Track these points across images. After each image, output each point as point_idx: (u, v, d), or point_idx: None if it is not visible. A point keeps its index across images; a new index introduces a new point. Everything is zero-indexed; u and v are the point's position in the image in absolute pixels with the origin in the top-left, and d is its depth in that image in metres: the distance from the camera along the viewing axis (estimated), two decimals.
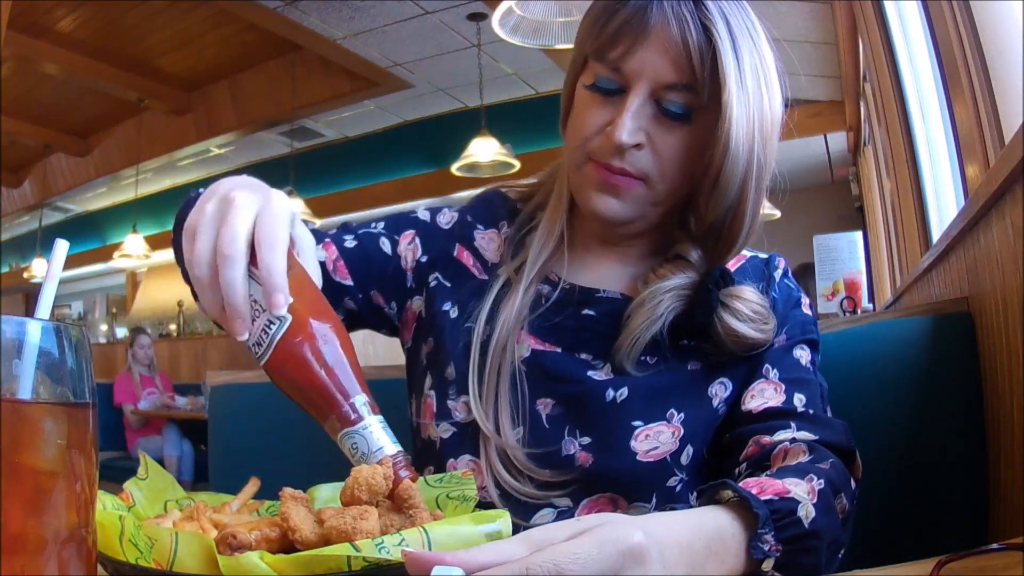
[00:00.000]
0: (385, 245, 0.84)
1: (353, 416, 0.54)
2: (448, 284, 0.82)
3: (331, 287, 0.80)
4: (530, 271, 0.78)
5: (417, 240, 0.84)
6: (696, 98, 0.69)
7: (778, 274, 0.81)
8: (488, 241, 0.84)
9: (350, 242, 0.83)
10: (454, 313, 0.80)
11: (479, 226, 0.85)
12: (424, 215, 0.87)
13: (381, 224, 0.86)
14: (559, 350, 0.76)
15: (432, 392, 0.78)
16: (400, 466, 0.53)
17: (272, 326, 0.55)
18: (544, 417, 0.74)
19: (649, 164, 0.71)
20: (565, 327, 0.77)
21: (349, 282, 0.81)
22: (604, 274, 0.81)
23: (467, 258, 0.83)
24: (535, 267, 0.78)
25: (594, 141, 0.72)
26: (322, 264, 0.78)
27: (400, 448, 0.55)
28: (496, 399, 0.74)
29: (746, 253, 0.83)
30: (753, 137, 0.68)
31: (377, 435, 0.54)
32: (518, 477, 0.72)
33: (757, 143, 0.69)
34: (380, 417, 0.55)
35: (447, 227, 0.86)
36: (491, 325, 0.76)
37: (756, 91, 0.68)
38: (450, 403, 0.76)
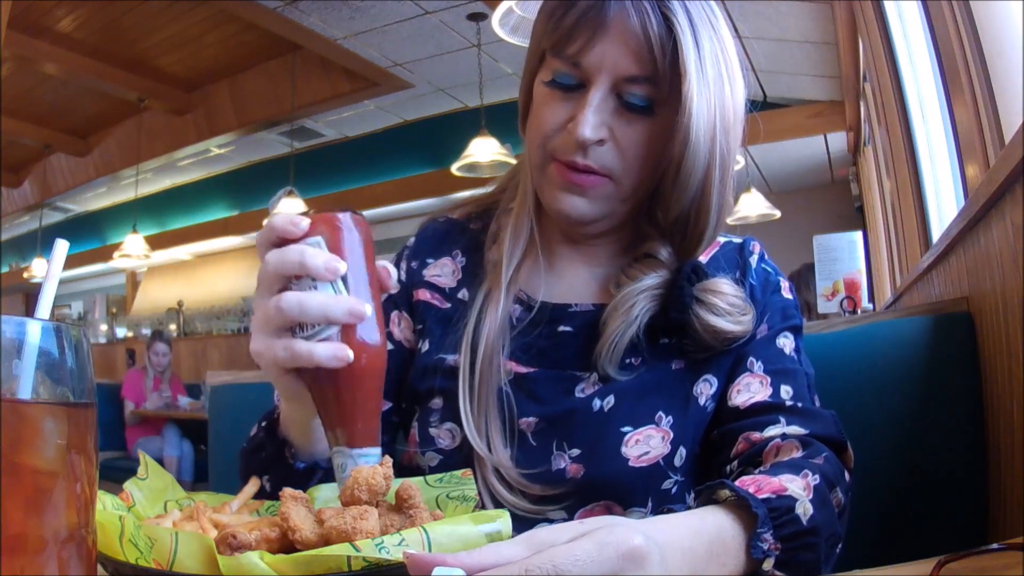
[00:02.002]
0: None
1: (358, 440, 0.55)
2: (420, 327, 0.82)
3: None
4: (505, 276, 0.77)
5: (403, 315, 0.83)
6: (657, 90, 0.68)
7: (754, 259, 0.80)
8: (440, 268, 0.84)
9: None
10: (425, 347, 0.79)
11: (428, 260, 0.84)
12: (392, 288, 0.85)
13: None
14: (542, 370, 0.75)
15: (415, 423, 0.78)
16: None
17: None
18: (530, 435, 0.73)
19: (613, 159, 0.70)
20: (543, 347, 0.76)
21: (388, 405, 0.80)
22: (575, 283, 0.80)
23: (424, 295, 0.82)
24: (509, 271, 0.77)
25: (556, 139, 0.71)
26: None
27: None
28: (486, 419, 0.73)
29: (720, 239, 0.81)
30: (715, 127, 0.68)
31: (372, 460, 0.55)
32: (513, 493, 0.71)
33: (719, 133, 0.68)
34: (379, 449, 0.56)
35: (406, 282, 0.85)
36: (477, 340, 0.75)
37: (717, 81, 0.68)
38: (432, 431, 0.75)
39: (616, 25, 0.66)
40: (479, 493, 0.71)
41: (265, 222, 0.57)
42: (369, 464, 0.54)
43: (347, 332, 0.54)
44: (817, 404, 0.74)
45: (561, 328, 0.77)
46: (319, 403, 0.56)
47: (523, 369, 0.75)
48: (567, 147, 0.70)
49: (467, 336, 0.75)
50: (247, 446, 0.72)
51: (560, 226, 0.79)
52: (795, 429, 0.68)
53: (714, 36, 0.68)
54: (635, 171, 0.71)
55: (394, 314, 0.84)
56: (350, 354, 0.53)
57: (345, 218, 0.56)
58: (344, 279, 0.54)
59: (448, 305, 0.81)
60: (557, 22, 0.69)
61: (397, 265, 0.87)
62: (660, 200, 0.74)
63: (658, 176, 0.73)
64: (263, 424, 0.71)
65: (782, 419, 0.69)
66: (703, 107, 0.66)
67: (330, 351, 0.53)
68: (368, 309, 0.55)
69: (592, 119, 0.68)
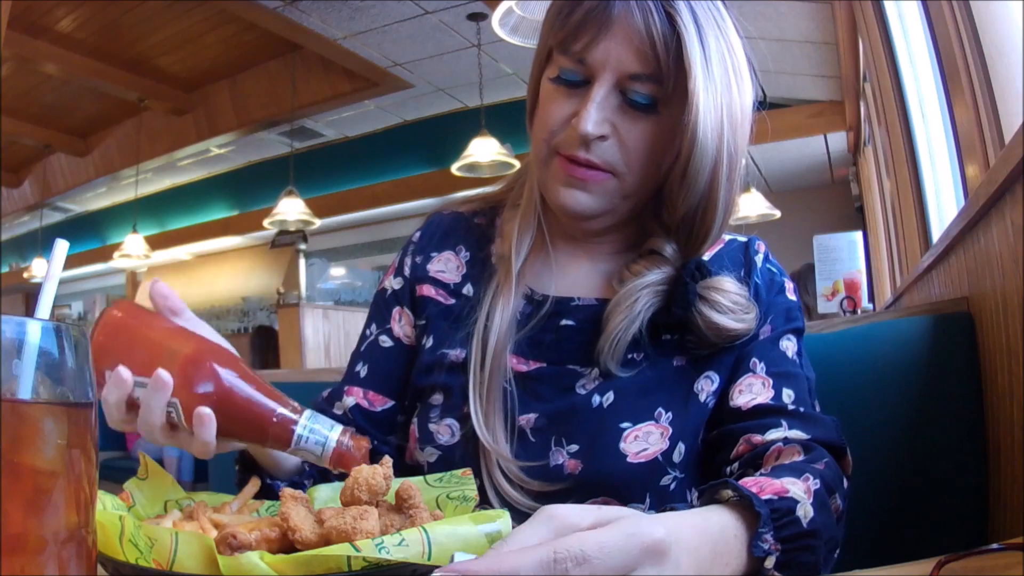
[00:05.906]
0: (386, 342, 0.83)
1: (289, 419, 0.58)
2: (423, 323, 0.82)
3: (383, 419, 0.81)
4: (514, 272, 0.77)
5: (405, 311, 0.84)
6: (661, 88, 0.68)
7: (759, 259, 0.80)
8: (444, 263, 0.84)
9: (363, 370, 0.83)
10: (429, 343, 0.80)
11: (432, 254, 0.85)
12: (396, 283, 0.86)
13: (373, 325, 0.85)
14: (544, 365, 0.76)
15: (415, 419, 0.78)
16: (347, 446, 0.58)
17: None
18: (529, 432, 0.74)
19: (615, 155, 0.71)
20: (546, 341, 0.76)
21: (391, 403, 0.81)
22: (578, 279, 0.80)
23: (428, 290, 0.83)
24: (517, 267, 0.78)
25: (559, 134, 0.72)
26: (359, 407, 0.80)
27: (341, 426, 0.59)
28: (492, 414, 0.73)
29: (724, 237, 0.82)
30: (722, 126, 0.68)
31: (319, 422, 0.58)
32: (515, 488, 0.72)
33: (727, 132, 0.68)
34: (309, 411, 0.59)
35: (410, 277, 0.85)
36: (487, 336, 0.75)
37: (724, 80, 0.68)
38: (431, 426, 0.76)
39: (620, 23, 0.67)
40: (484, 487, 0.71)
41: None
42: (316, 418, 0.58)
43: (188, 406, 0.58)
44: (817, 409, 0.74)
45: (563, 322, 0.77)
46: (243, 430, 0.60)
47: (524, 367, 0.76)
48: (570, 142, 0.71)
49: (478, 332, 0.76)
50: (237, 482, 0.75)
51: (564, 222, 0.79)
52: (797, 433, 0.68)
53: (720, 36, 0.69)
54: (638, 168, 0.72)
55: (395, 310, 0.84)
56: (207, 435, 0.57)
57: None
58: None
59: (452, 301, 0.81)
60: (564, 20, 0.70)
61: (401, 260, 0.87)
62: (666, 198, 0.74)
63: (662, 174, 0.73)
64: (236, 463, 0.74)
65: (784, 423, 0.69)
66: (710, 105, 0.67)
67: (197, 445, 0.57)
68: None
69: (594, 114, 0.68)
